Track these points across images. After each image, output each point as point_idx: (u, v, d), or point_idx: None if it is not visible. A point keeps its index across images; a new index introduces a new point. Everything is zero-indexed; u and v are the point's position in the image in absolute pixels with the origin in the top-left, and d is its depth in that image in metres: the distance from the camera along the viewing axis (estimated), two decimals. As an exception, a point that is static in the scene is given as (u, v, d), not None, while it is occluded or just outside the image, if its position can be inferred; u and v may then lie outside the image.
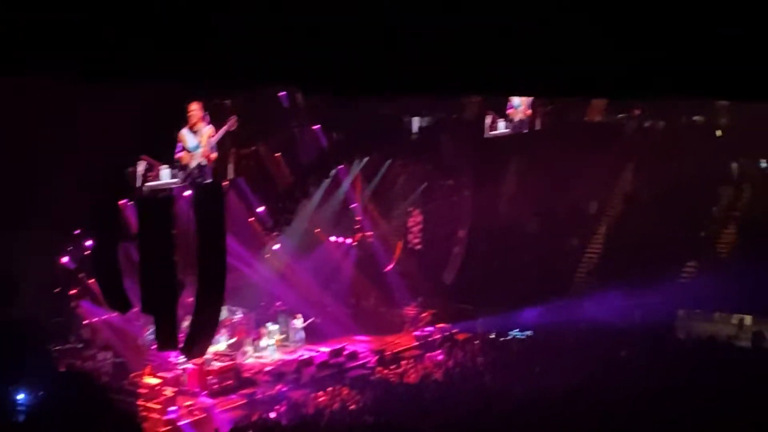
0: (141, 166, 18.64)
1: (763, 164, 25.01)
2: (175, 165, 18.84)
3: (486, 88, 18.99)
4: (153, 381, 20.67)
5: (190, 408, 19.83)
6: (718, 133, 25.58)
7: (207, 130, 18.96)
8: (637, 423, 16.34)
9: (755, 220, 24.61)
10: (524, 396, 18.74)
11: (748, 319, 22.12)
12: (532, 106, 23.86)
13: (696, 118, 26.17)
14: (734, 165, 25.44)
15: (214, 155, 19.27)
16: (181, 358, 21.10)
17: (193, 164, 18.92)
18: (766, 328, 22.08)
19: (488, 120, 23.19)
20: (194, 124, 18.38)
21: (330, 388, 20.37)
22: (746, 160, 25.33)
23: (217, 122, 19.33)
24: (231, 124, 19.43)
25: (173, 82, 19.45)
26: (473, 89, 20.74)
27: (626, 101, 24.54)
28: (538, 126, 23.87)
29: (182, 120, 18.70)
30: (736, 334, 22.53)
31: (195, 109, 18.83)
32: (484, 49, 7.87)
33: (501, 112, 23.33)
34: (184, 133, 18.63)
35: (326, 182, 24.78)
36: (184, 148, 18.59)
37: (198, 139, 18.42)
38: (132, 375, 20.98)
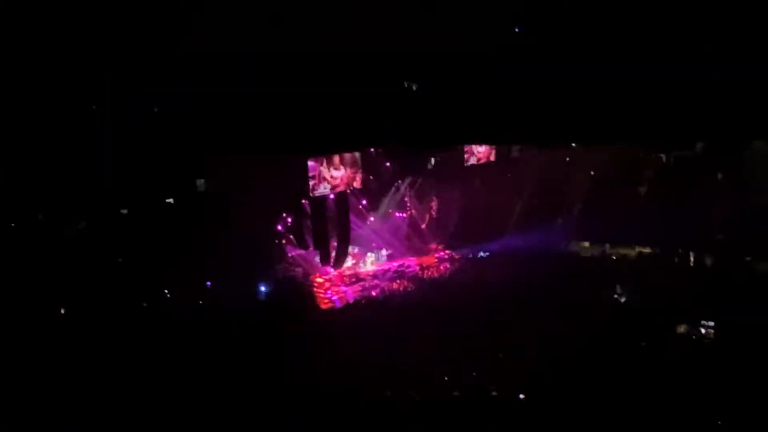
0: (311, 183, 24.96)
1: (592, 173, 30.10)
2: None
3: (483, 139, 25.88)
4: (320, 280, 27.05)
5: (337, 291, 26.26)
6: (567, 160, 30.95)
7: (342, 171, 25.80)
8: (541, 298, 21.51)
9: (588, 200, 30.24)
10: (485, 282, 25.48)
11: (585, 244, 28.91)
12: (489, 149, 29.67)
13: (562, 153, 31.19)
14: (578, 174, 30.52)
15: (346, 181, 25.99)
16: (332, 269, 27.20)
17: (339, 186, 25.65)
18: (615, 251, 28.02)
19: (466, 157, 29.11)
20: (337, 166, 25.78)
21: (398, 281, 27.29)
22: (584, 172, 30.60)
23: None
24: (358, 182, 25.97)
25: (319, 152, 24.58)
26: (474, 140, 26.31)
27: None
28: (492, 159, 29.90)
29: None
30: (594, 254, 28.53)
31: (337, 161, 25.61)
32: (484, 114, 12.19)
33: (471, 152, 29.19)
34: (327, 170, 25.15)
35: (393, 188, 30.42)
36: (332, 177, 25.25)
37: (339, 174, 25.66)
38: (311, 277, 27.32)
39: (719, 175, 27.69)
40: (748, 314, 17.70)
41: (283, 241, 28.29)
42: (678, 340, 17.21)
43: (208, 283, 24.58)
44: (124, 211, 25.29)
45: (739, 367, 14.84)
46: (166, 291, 23.67)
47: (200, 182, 26.86)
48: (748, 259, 24.12)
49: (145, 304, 21.46)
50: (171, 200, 26.38)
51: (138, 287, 22.04)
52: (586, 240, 28.74)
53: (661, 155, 29.55)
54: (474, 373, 14.70)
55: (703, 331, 17.15)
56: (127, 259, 23.26)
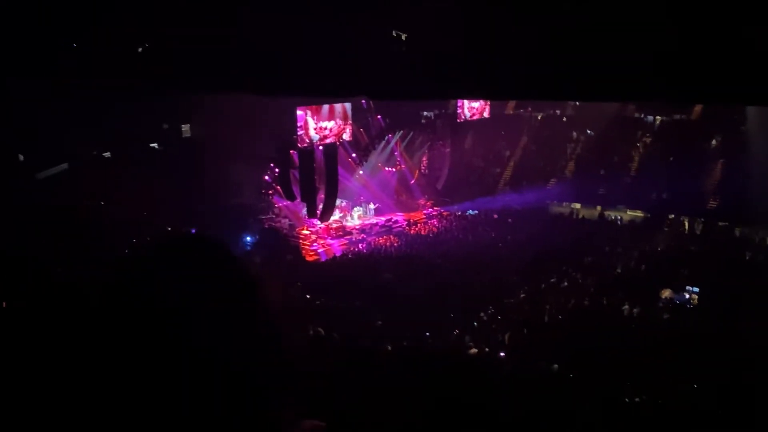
0: (299, 133, 24.75)
1: (589, 132, 31.25)
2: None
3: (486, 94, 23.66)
4: (306, 232, 27.71)
5: (323, 244, 26.63)
6: (566, 118, 32.14)
7: (331, 123, 25.93)
8: (531, 257, 21.96)
9: (582, 161, 31.22)
10: (471, 240, 25.73)
11: (577, 206, 28.92)
12: (483, 104, 29.78)
13: (558, 111, 32.77)
14: (573, 133, 31.55)
15: (335, 133, 26.02)
16: (318, 222, 27.60)
17: (329, 138, 25.88)
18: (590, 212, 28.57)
19: (459, 111, 29.36)
20: (326, 117, 25.59)
21: (385, 236, 27.41)
22: (580, 132, 31.51)
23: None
24: (348, 134, 25.98)
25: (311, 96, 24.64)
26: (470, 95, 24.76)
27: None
28: (486, 115, 30.08)
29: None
30: (570, 212, 29.23)
31: (326, 112, 25.50)
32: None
33: (464, 107, 29.41)
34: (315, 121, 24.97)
35: (383, 142, 30.59)
36: (321, 128, 25.15)
37: (329, 125, 25.68)
38: (297, 229, 27.83)
39: (714, 141, 27.45)
40: (733, 282, 17.36)
41: (270, 192, 29.23)
42: (662, 305, 17.02)
43: (193, 231, 24.41)
44: (107, 155, 24.30)
45: (718, 332, 14.59)
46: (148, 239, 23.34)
47: (186, 127, 26.40)
48: (738, 227, 24.02)
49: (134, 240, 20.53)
50: (155, 145, 25.88)
51: (127, 225, 21.55)
52: (579, 201, 29.04)
53: (657, 117, 29.25)
54: (456, 331, 14.73)
55: (686, 296, 17.26)
56: (112, 202, 22.90)
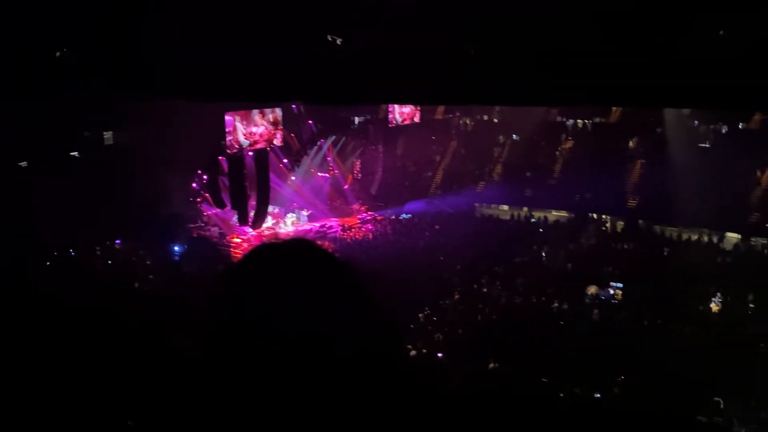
0: (228, 139, 24.24)
1: (515, 136, 32.01)
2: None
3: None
4: (237, 240, 27.14)
5: None
6: (495, 121, 33.04)
7: (261, 128, 25.46)
8: (463, 259, 22.27)
9: (509, 164, 31.78)
10: (405, 244, 25.92)
11: (506, 207, 29.56)
12: (414, 110, 30.10)
13: (486, 116, 33.76)
14: (500, 138, 32.25)
15: (266, 138, 25.53)
16: (250, 229, 27.20)
17: (259, 143, 25.34)
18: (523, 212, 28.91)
19: (390, 116, 29.34)
20: (256, 122, 25.19)
21: (320, 242, 31.79)
22: (506, 136, 32.35)
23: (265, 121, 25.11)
24: (279, 140, 25.58)
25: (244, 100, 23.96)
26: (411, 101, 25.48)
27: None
28: (416, 120, 30.33)
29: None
30: (499, 214, 29.87)
31: (256, 117, 25.27)
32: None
33: (395, 112, 29.28)
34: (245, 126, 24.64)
35: (315, 147, 30.38)
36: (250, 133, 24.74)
37: (258, 131, 25.23)
38: (228, 238, 27.34)
39: (632, 143, 29.00)
40: (653, 277, 18.18)
41: (198, 200, 28.46)
42: (589, 301, 17.85)
43: (118, 241, 23.46)
44: (24, 164, 23.44)
45: (641, 326, 15.42)
46: (71, 250, 22.31)
47: (108, 134, 25.51)
48: (657, 225, 25.41)
49: (48, 264, 19.59)
50: (76, 153, 24.92)
51: (41, 246, 20.72)
52: (506, 203, 29.91)
53: (579, 121, 30.62)
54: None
55: (611, 292, 18.17)
56: (28, 216, 21.79)
